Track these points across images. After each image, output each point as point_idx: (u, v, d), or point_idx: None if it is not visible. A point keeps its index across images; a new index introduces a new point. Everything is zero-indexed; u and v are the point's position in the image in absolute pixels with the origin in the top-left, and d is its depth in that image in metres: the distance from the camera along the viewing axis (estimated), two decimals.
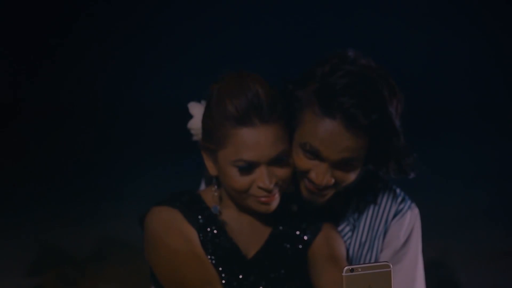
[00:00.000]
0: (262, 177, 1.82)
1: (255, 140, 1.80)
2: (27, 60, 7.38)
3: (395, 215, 2.15)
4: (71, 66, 7.45)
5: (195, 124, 2.01)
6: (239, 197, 1.89)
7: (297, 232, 1.99)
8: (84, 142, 6.57)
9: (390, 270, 1.52)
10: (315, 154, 1.91)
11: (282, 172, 1.86)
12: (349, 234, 2.16)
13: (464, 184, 5.65)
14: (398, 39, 7.33)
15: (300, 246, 1.97)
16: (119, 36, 7.53)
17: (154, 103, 7.38)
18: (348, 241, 2.15)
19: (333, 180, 1.94)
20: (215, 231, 1.91)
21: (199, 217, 1.92)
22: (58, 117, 7.10)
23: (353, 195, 2.15)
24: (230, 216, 1.96)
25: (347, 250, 2.14)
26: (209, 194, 1.98)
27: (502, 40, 7.46)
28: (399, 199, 2.16)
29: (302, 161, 1.93)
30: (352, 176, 1.97)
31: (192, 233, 1.88)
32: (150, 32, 7.56)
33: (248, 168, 1.82)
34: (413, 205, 2.18)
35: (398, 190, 2.18)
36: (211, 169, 1.93)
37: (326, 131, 1.88)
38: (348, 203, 2.16)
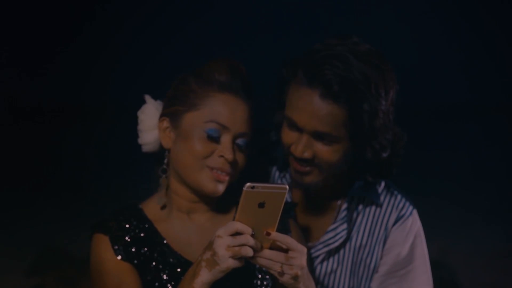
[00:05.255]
0: (226, 148, 1.84)
1: (233, 108, 1.85)
2: (29, 61, 7.38)
3: (396, 221, 2.12)
4: (74, 66, 7.45)
5: (149, 109, 2.03)
6: (193, 169, 1.85)
7: None
8: (86, 143, 6.57)
9: (285, 192, 1.58)
10: (293, 125, 1.96)
11: (239, 157, 1.87)
12: (343, 234, 2.13)
13: (464, 184, 5.65)
14: (398, 38, 7.33)
15: None
16: (122, 38, 7.53)
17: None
18: (340, 241, 2.12)
19: (312, 153, 1.96)
20: (155, 250, 1.88)
21: (141, 234, 1.90)
22: (60, 118, 7.10)
23: (353, 193, 2.12)
24: (177, 226, 1.92)
25: (344, 251, 2.13)
26: (151, 206, 1.96)
27: (502, 38, 7.45)
28: (400, 205, 2.13)
29: (286, 134, 1.99)
30: (334, 155, 1.96)
31: (120, 266, 1.89)
32: (152, 35, 7.56)
33: (215, 136, 1.84)
34: (415, 211, 2.14)
35: (399, 196, 2.15)
36: (166, 140, 1.92)
37: (302, 100, 1.93)
38: (349, 202, 2.13)
